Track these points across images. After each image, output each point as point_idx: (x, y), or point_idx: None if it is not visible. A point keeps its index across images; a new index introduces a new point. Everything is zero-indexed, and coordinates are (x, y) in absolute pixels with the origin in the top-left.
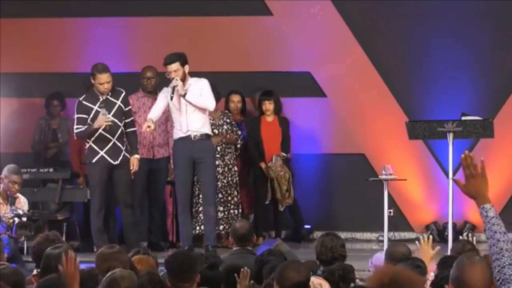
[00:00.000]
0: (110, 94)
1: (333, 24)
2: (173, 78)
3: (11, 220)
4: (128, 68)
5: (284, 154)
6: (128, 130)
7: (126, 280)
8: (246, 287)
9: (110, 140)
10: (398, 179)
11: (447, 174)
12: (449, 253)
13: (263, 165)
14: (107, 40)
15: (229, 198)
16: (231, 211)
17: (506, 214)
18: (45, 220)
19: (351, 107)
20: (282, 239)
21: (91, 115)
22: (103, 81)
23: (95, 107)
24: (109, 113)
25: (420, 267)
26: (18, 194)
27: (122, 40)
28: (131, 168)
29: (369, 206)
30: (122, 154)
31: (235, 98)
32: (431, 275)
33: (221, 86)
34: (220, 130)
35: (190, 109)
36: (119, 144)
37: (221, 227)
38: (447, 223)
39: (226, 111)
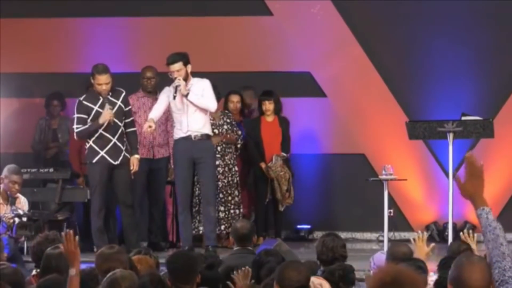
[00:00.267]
0: (110, 94)
1: (333, 24)
2: (175, 78)
3: (11, 220)
4: (128, 68)
5: (284, 154)
6: (128, 130)
7: (126, 280)
8: (247, 286)
9: (111, 140)
10: (398, 179)
11: (447, 174)
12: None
13: (263, 165)
14: (107, 40)
15: (230, 198)
16: (232, 211)
17: (506, 214)
18: (45, 220)
19: (351, 107)
20: (282, 239)
21: (92, 115)
22: (102, 82)
23: (96, 107)
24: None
25: (421, 267)
26: (18, 194)
27: (122, 40)
28: (131, 168)
29: (369, 206)
30: (123, 154)
31: (234, 98)
32: (430, 275)
33: (221, 86)
34: (220, 130)
35: (191, 109)
36: (119, 144)
37: (222, 227)
38: (447, 223)
39: (226, 111)
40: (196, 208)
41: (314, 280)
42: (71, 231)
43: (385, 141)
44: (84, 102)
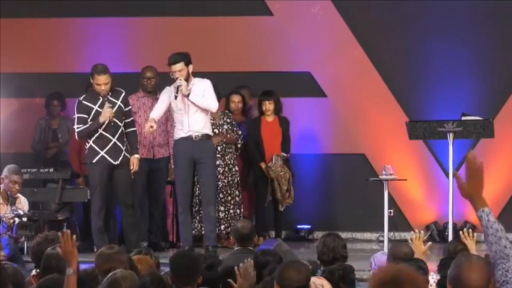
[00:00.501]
0: (110, 94)
1: (333, 24)
2: (177, 78)
3: (11, 220)
4: (128, 68)
5: (284, 154)
6: (128, 130)
7: (127, 280)
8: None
9: (111, 140)
10: (398, 179)
11: (447, 174)
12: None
13: (263, 165)
14: (107, 40)
15: (229, 198)
16: (231, 211)
17: (506, 214)
18: (45, 220)
19: (351, 107)
20: (282, 239)
21: (92, 115)
22: (101, 82)
23: (95, 107)
24: None
25: (422, 268)
26: (19, 194)
27: (122, 40)
28: (131, 168)
29: (369, 206)
30: (123, 154)
31: (235, 98)
32: (431, 275)
33: (221, 86)
34: (220, 130)
35: (192, 109)
36: (119, 144)
37: (221, 227)
38: (447, 223)
39: (227, 111)
40: (196, 208)
41: (316, 280)
42: (69, 231)
43: (385, 141)
44: (84, 102)
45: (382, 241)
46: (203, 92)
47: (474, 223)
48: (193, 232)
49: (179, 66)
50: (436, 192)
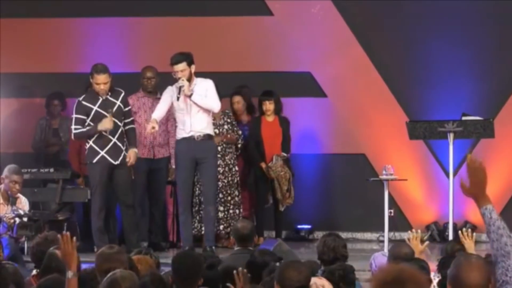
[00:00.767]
0: (109, 94)
1: (333, 24)
2: (179, 78)
3: (12, 221)
4: (128, 68)
5: (285, 154)
6: (127, 127)
7: (126, 280)
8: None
9: (111, 140)
10: (398, 179)
11: (447, 174)
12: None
13: (263, 165)
14: (107, 40)
15: (229, 198)
16: (231, 211)
17: (506, 214)
18: (46, 220)
19: (352, 107)
20: (283, 239)
21: (91, 115)
22: (100, 81)
23: (95, 107)
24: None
25: (424, 267)
26: (19, 194)
27: (122, 40)
28: (128, 160)
29: (369, 206)
30: (123, 154)
31: (235, 99)
32: (432, 275)
33: (222, 86)
34: (220, 130)
35: (194, 109)
36: (119, 144)
37: (221, 227)
38: (447, 223)
39: (227, 111)
40: (196, 208)
41: (317, 281)
42: (68, 233)
43: (386, 141)
44: (83, 103)
45: (383, 241)
46: (206, 92)
47: (475, 223)
48: (193, 232)
49: (182, 66)
50: (437, 192)
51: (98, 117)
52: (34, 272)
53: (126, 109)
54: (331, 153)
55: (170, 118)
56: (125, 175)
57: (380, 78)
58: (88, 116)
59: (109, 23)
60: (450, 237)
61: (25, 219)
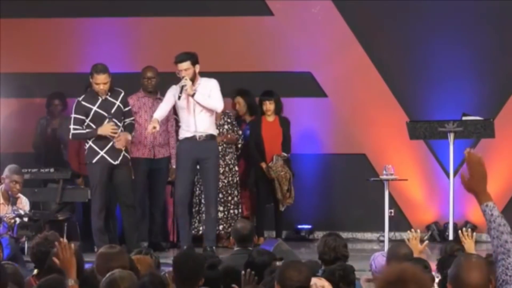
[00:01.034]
0: (109, 94)
1: (334, 24)
2: (183, 77)
3: (12, 221)
4: (128, 68)
5: (285, 154)
6: (127, 122)
7: (125, 280)
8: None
9: (110, 140)
10: (399, 179)
11: (448, 174)
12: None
13: (263, 165)
14: (107, 40)
15: (229, 198)
16: (231, 211)
17: (507, 214)
18: (46, 220)
19: (352, 107)
20: (283, 239)
21: (90, 115)
22: (100, 81)
23: (94, 107)
24: (108, 114)
25: (426, 267)
26: (20, 195)
27: (122, 40)
28: (117, 141)
29: (370, 206)
30: (122, 154)
31: (235, 99)
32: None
33: (222, 86)
34: (221, 130)
35: (197, 109)
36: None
37: (220, 227)
38: (448, 223)
39: (227, 111)
40: (196, 208)
41: (317, 281)
42: (66, 240)
43: (386, 141)
44: (83, 103)
45: (383, 241)
46: (209, 92)
47: (475, 223)
48: (193, 232)
49: (186, 64)
50: (437, 192)
51: (97, 118)
52: (35, 272)
53: (126, 109)
54: (331, 153)
55: (170, 118)
56: (125, 175)
57: (380, 78)
58: (87, 116)
59: (109, 23)
60: (451, 237)
61: (25, 219)
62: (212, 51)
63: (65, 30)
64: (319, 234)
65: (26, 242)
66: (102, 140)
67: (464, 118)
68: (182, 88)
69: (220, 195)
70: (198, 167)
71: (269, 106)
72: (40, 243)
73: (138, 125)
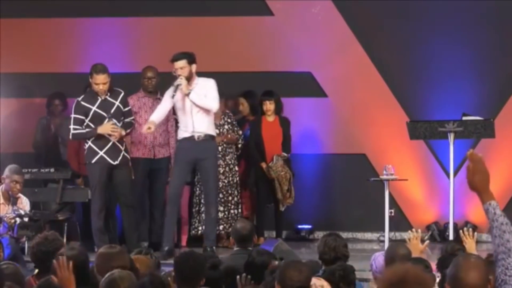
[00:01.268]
0: (108, 94)
1: (334, 24)
2: (179, 76)
3: (12, 221)
4: (128, 68)
5: (285, 154)
6: (126, 121)
7: (125, 280)
8: None
9: (110, 140)
10: (399, 179)
11: (448, 174)
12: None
13: (264, 165)
14: (107, 40)
15: (230, 198)
16: (231, 211)
17: (507, 214)
18: (46, 220)
19: (352, 107)
20: (283, 239)
21: (90, 115)
22: (99, 81)
23: (94, 107)
24: (107, 114)
25: (427, 267)
26: (20, 194)
27: (122, 40)
28: (113, 129)
29: (370, 206)
30: (122, 154)
31: (239, 100)
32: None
33: (222, 86)
34: (221, 130)
35: (195, 109)
36: (118, 144)
37: (221, 227)
38: (448, 223)
39: (227, 111)
40: (196, 208)
41: (316, 281)
42: (64, 258)
43: (386, 141)
44: (82, 103)
45: (383, 241)
46: (206, 92)
47: (475, 223)
48: (193, 232)
49: (181, 63)
50: (437, 192)
51: (96, 118)
52: (36, 271)
53: (126, 109)
54: (331, 153)
55: (170, 118)
56: (125, 175)
57: (380, 78)
58: (86, 116)
59: (109, 23)
60: (451, 237)
61: (25, 219)
62: (212, 51)
63: (65, 30)
64: (319, 234)
65: (26, 242)
66: (101, 140)
67: (464, 118)
68: (177, 87)
69: (221, 195)
70: (196, 167)
71: (269, 106)
72: (40, 243)
73: (138, 125)
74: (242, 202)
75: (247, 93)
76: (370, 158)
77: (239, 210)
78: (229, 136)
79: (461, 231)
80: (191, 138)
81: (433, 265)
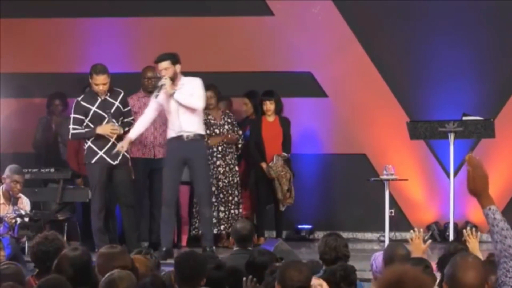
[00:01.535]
0: (108, 94)
1: (334, 24)
2: (163, 77)
3: (13, 221)
4: (128, 68)
5: (285, 154)
6: (125, 121)
7: (124, 281)
8: None
9: (109, 140)
10: (399, 179)
11: (448, 174)
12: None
13: (264, 165)
14: (107, 40)
15: (230, 198)
16: (232, 211)
17: (507, 215)
18: (46, 220)
19: (352, 107)
20: (283, 239)
21: (90, 116)
22: (99, 82)
23: (93, 108)
24: (107, 114)
25: (427, 267)
26: (21, 194)
27: (122, 40)
28: (112, 129)
29: (370, 206)
30: (122, 154)
31: (243, 101)
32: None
33: (222, 86)
34: (221, 130)
35: (181, 109)
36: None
37: (221, 227)
38: (448, 223)
39: (228, 111)
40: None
41: (315, 281)
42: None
43: (386, 141)
44: (82, 103)
45: (383, 241)
46: (192, 90)
47: (475, 223)
48: (193, 232)
49: (165, 64)
50: (437, 192)
51: (96, 118)
52: (36, 272)
53: (125, 109)
54: (331, 153)
55: None
56: (125, 175)
57: (380, 78)
58: (86, 116)
59: (109, 23)
60: (451, 237)
61: (26, 219)
62: (212, 51)
63: (65, 30)
64: (319, 234)
65: (26, 242)
66: (101, 140)
67: (464, 118)
68: (160, 87)
69: (221, 195)
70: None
71: (269, 106)
72: (40, 242)
73: None
74: (242, 202)
75: (251, 93)
76: (370, 158)
77: (240, 210)
78: (229, 136)
79: (464, 230)
80: (179, 137)
81: (434, 265)
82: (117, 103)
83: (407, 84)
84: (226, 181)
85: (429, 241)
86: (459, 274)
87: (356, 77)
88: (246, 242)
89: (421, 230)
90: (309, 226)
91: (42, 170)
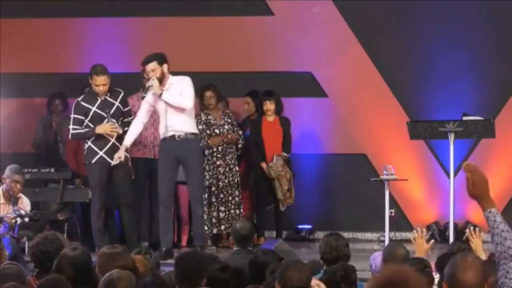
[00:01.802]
0: (108, 94)
1: (334, 24)
2: (151, 78)
3: (13, 221)
4: (128, 68)
5: (285, 154)
6: (125, 121)
7: (123, 281)
8: None
9: (109, 141)
10: (399, 179)
11: (448, 174)
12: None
13: (264, 165)
14: (107, 40)
15: (230, 198)
16: (232, 211)
17: (507, 215)
18: (46, 220)
19: (352, 107)
20: (283, 239)
21: (90, 116)
22: (99, 83)
23: (93, 108)
24: (107, 114)
25: (426, 267)
26: (21, 194)
27: (122, 40)
28: (112, 129)
29: (370, 206)
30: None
31: (245, 100)
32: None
33: (222, 86)
34: (221, 130)
35: (170, 109)
36: (118, 145)
37: (222, 227)
38: (448, 223)
39: (228, 111)
40: None
41: (312, 282)
42: None
43: (386, 141)
44: (82, 103)
45: (383, 241)
46: (181, 90)
47: (475, 223)
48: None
49: (152, 65)
50: (437, 192)
51: (96, 118)
52: (36, 272)
53: (125, 109)
54: (331, 153)
55: None
56: (125, 175)
57: (380, 78)
58: (86, 116)
59: (109, 23)
60: (451, 237)
61: (26, 219)
62: (212, 51)
63: (65, 30)
64: (319, 234)
65: (26, 242)
66: (101, 140)
67: (464, 118)
68: (148, 88)
69: (221, 195)
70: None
71: (269, 106)
72: (40, 242)
73: None
74: (242, 202)
75: (253, 93)
76: (370, 158)
77: (240, 210)
78: (229, 136)
79: (467, 230)
80: (171, 137)
81: (433, 266)
82: (117, 103)
83: (407, 84)
84: (226, 181)
85: (432, 241)
86: (459, 273)
87: (356, 77)
88: (246, 242)
89: (424, 230)
90: (309, 226)
91: (42, 170)
